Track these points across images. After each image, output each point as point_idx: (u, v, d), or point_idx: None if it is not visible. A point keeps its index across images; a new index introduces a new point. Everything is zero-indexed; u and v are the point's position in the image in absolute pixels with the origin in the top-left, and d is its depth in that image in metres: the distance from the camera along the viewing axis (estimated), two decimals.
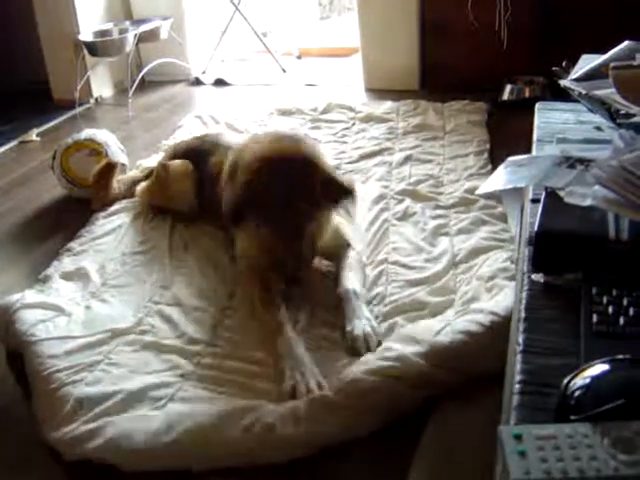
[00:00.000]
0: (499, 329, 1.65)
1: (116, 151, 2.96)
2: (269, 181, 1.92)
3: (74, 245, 2.46)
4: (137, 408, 1.62)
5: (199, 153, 2.54)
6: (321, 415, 1.54)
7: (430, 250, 2.27)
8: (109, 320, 1.98)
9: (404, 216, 2.53)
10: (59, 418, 1.61)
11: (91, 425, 1.56)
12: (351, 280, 1.98)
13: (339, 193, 2.00)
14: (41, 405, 1.69)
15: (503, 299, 1.83)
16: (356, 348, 1.74)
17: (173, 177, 2.54)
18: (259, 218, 1.97)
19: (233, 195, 2.01)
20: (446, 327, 1.77)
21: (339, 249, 2.13)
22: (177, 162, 2.58)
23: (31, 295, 2.08)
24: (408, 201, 2.63)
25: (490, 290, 1.96)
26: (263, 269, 2.01)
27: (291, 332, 1.80)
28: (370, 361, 1.67)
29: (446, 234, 2.38)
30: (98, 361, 1.80)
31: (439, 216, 2.51)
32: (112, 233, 2.53)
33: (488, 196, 2.49)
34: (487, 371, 1.58)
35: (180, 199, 2.54)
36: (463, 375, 1.66)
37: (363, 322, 1.81)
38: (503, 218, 2.41)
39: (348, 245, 2.15)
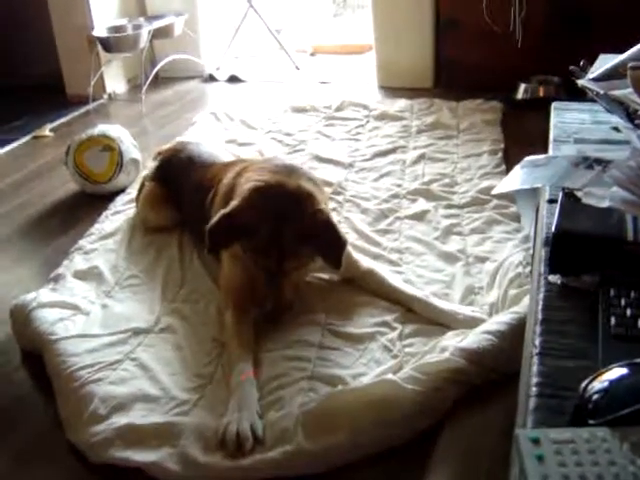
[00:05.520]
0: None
1: (129, 147, 2.97)
2: (262, 209, 1.81)
3: (84, 243, 2.45)
4: (163, 412, 1.60)
5: (176, 166, 2.46)
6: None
7: (443, 249, 2.26)
8: (126, 319, 1.98)
9: (417, 215, 2.52)
10: (84, 417, 1.59)
11: (117, 430, 1.54)
12: None
13: (332, 241, 1.84)
14: (65, 403, 1.68)
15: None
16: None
17: (141, 204, 2.55)
18: (245, 245, 1.86)
19: (220, 217, 1.85)
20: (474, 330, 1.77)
21: None
22: (146, 188, 2.55)
23: (46, 294, 2.07)
24: (421, 200, 2.63)
25: (510, 288, 1.95)
26: (242, 295, 1.92)
27: (246, 368, 1.69)
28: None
29: (459, 233, 2.37)
30: (120, 360, 1.79)
31: (452, 215, 2.50)
32: (121, 232, 2.52)
33: (501, 195, 2.48)
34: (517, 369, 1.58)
35: (151, 222, 2.51)
36: (494, 373, 1.66)
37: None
38: (516, 217, 2.40)
39: None
